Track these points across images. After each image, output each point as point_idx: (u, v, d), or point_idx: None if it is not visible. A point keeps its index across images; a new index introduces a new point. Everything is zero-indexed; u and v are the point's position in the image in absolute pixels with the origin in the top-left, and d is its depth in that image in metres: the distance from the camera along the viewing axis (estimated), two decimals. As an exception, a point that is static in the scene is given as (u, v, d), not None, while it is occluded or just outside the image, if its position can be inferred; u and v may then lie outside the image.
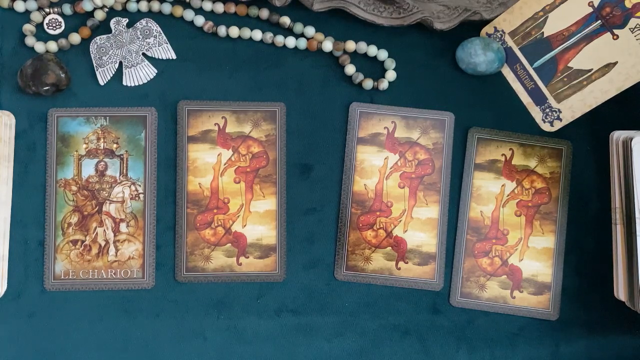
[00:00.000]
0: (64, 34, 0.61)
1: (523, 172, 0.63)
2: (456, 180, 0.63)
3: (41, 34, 0.61)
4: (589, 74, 0.61)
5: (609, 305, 0.62)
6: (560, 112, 0.62)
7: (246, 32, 0.61)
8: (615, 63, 0.60)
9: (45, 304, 0.59)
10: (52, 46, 0.60)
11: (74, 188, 0.60)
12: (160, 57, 0.61)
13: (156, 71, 0.61)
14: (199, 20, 0.61)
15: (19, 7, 0.60)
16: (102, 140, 0.61)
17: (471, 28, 0.63)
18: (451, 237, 0.62)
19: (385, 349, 0.61)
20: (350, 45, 0.62)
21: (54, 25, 0.61)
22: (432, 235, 0.62)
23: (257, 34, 0.61)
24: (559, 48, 0.61)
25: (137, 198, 0.60)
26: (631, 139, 0.56)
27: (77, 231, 0.60)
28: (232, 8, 0.62)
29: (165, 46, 0.61)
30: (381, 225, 0.62)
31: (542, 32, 0.61)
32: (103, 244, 0.60)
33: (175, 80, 0.62)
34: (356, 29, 0.63)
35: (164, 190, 0.61)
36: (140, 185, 0.60)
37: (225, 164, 0.61)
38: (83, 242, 0.60)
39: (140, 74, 0.61)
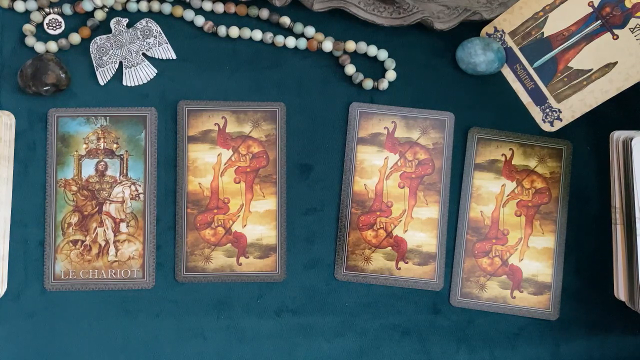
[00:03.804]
0: (64, 34, 0.61)
1: (523, 172, 0.63)
2: (456, 180, 0.63)
3: (41, 34, 0.61)
4: (589, 74, 0.61)
5: (609, 305, 0.62)
6: (560, 112, 0.62)
7: (246, 32, 0.61)
8: (615, 63, 0.60)
9: (45, 304, 0.59)
10: (52, 46, 0.60)
11: (74, 188, 0.60)
12: (160, 57, 0.61)
13: (156, 71, 0.61)
14: (199, 20, 0.61)
15: (19, 7, 0.60)
16: (102, 140, 0.61)
17: (471, 28, 0.63)
18: (451, 237, 0.62)
19: (385, 349, 0.61)
20: (350, 45, 0.62)
21: (54, 25, 0.61)
22: (432, 235, 0.62)
23: (257, 34, 0.61)
24: (559, 48, 0.61)
25: (137, 198, 0.60)
26: (631, 139, 0.56)
27: (77, 231, 0.60)
28: (232, 8, 0.62)
29: (165, 46, 0.61)
30: (381, 225, 0.62)
31: (542, 32, 0.61)
32: (103, 244, 0.60)
33: (175, 80, 0.62)
34: (356, 29, 0.63)
35: (164, 190, 0.61)
36: (140, 185, 0.60)
37: (225, 164, 0.61)
38: (83, 242, 0.60)
39: (140, 74, 0.61)
